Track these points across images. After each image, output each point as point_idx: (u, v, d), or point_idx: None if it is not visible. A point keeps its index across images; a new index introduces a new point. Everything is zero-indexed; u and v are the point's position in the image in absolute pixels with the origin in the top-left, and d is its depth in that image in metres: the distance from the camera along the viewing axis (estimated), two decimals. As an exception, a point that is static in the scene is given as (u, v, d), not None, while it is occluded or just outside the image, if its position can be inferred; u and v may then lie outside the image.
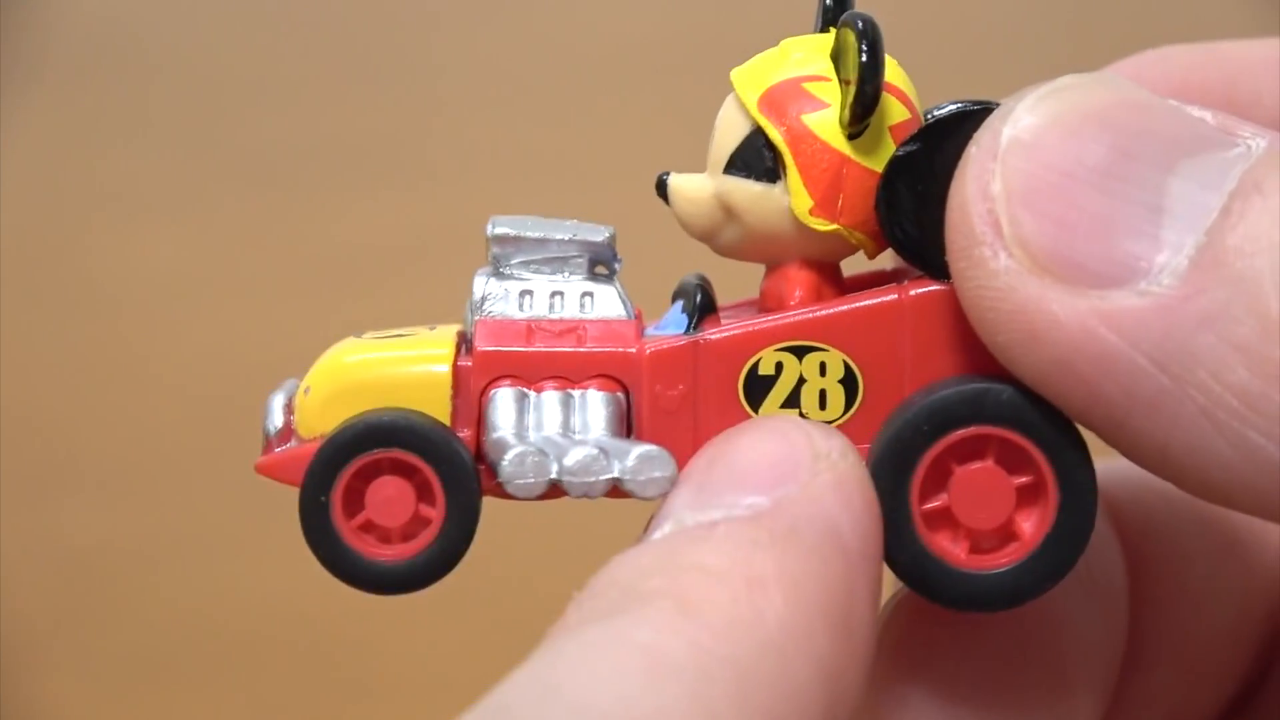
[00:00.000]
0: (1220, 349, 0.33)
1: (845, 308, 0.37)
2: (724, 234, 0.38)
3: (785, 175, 0.37)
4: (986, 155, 0.35)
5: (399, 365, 0.37)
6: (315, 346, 0.38)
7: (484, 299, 0.38)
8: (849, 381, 0.37)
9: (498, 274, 0.38)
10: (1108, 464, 0.38)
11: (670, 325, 0.38)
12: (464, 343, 0.38)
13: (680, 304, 0.38)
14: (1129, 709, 0.43)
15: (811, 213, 0.37)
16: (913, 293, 0.37)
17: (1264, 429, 0.33)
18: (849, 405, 0.37)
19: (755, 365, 0.37)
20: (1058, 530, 0.36)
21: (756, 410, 0.37)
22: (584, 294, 0.38)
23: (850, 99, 0.36)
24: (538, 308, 0.38)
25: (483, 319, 0.38)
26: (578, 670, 0.32)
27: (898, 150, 0.37)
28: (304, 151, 1.09)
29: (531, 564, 0.78)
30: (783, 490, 0.34)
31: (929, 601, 0.37)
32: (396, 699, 0.84)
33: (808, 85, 0.37)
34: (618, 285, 0.38)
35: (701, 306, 0.38)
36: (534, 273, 0.38)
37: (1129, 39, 0.50)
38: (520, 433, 0.37)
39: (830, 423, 0.37)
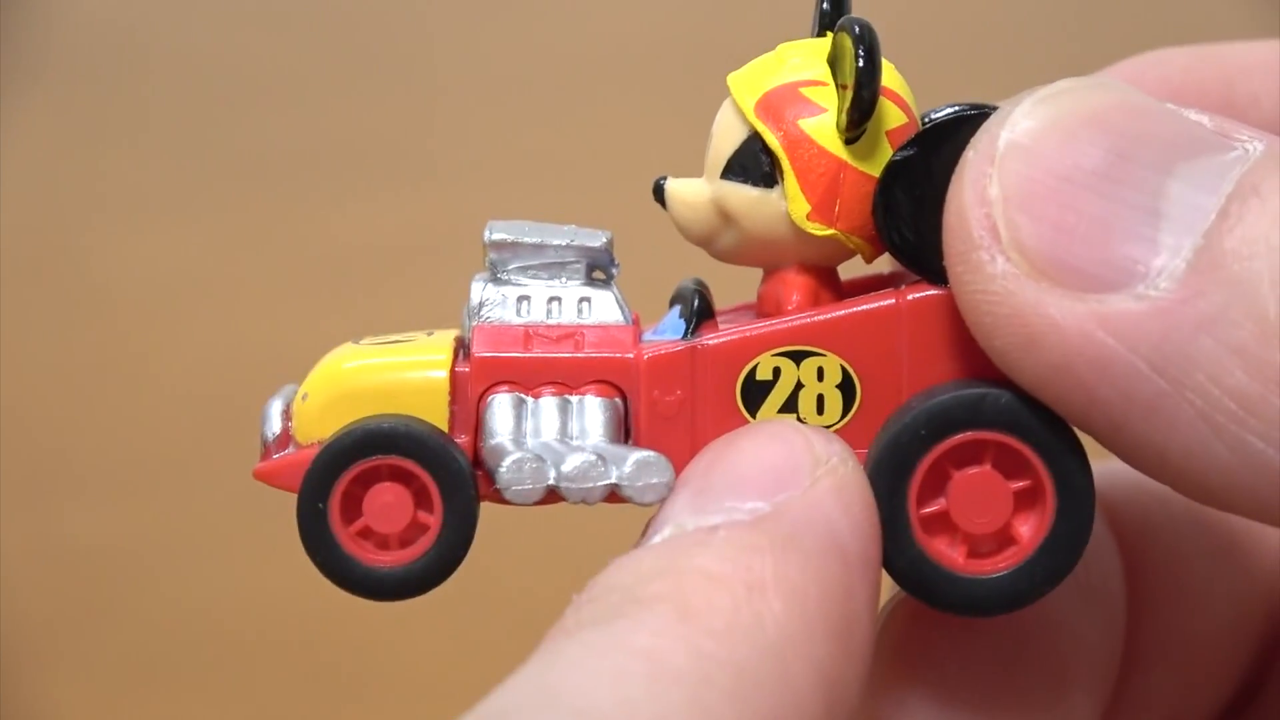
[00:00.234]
0: (1218, 352, 0.33)
1: (843, 312, 0.37)
2: (721, 239, 0.38)
3: (782, 180, 0.37)
4: (984, 159, 0.35)
5: (397, 371, 0.37)
6: (315, 346, 0.38)
7: (481, 305, 0.38)
8: (846, 386, 0.37)
9: (495, 279, 0.38)
10: (1105, 467, 0.38)
11: (668, 330, 0.38)
12: (462, 349, 0.38)
13: (678, 309, 0.38)
14: (1128, 711, 0.43)
15: (809, 217, 0.37)
16: (910, 297, 0.37)
17: (1262, 432, 0.33)
18: (846, 410, 0.37)
19: (753, 370, 0.37)
20: (1055, 534, 0.36)
21: (754, 415, 0.37)
22: (581, 299, 0.38)
23: (847, 103, 0.36)
24: (535, 313, 0.38)
25: (480, 325, 0.37)
26: (577, 674, 0.32)
27: (895, 155, 0.37)
28: (304, 152, 1.09)
29: (531, 568, 0.78)
30: (783, 495, 0.34)
31: (927, 606, 0.37)
32: (396, 700, 0.84)
33: (805, 90, 0.37)
34: (615, 290, 0.38)
35: (699, 311, 0.38)
36: (531, 278, 0.38)
37: (1127, 40, 0.50)
38: (518, 439, 0.37)
39: (828, 428, 0.37)
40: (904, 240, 0.37)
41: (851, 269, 0.39)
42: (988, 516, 0.36)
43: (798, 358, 0.37)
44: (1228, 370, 0.33)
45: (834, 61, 0.37)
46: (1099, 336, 0.34)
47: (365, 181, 1.07)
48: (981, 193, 0.35)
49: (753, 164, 0.37)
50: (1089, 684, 0.42)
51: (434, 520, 0.37)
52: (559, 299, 0.38)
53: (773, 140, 0.37)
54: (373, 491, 0.37)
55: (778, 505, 0.34)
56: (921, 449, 0.36)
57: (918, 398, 0.36)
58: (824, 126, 0.37)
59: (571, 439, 0.37)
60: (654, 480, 0.36)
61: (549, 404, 0.37)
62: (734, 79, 0.38)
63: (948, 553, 0.36)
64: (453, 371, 0.37)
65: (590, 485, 0.36)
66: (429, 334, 0.38)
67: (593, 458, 0.36)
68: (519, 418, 0.37)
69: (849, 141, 0.37)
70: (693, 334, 0.37)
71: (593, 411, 0.37)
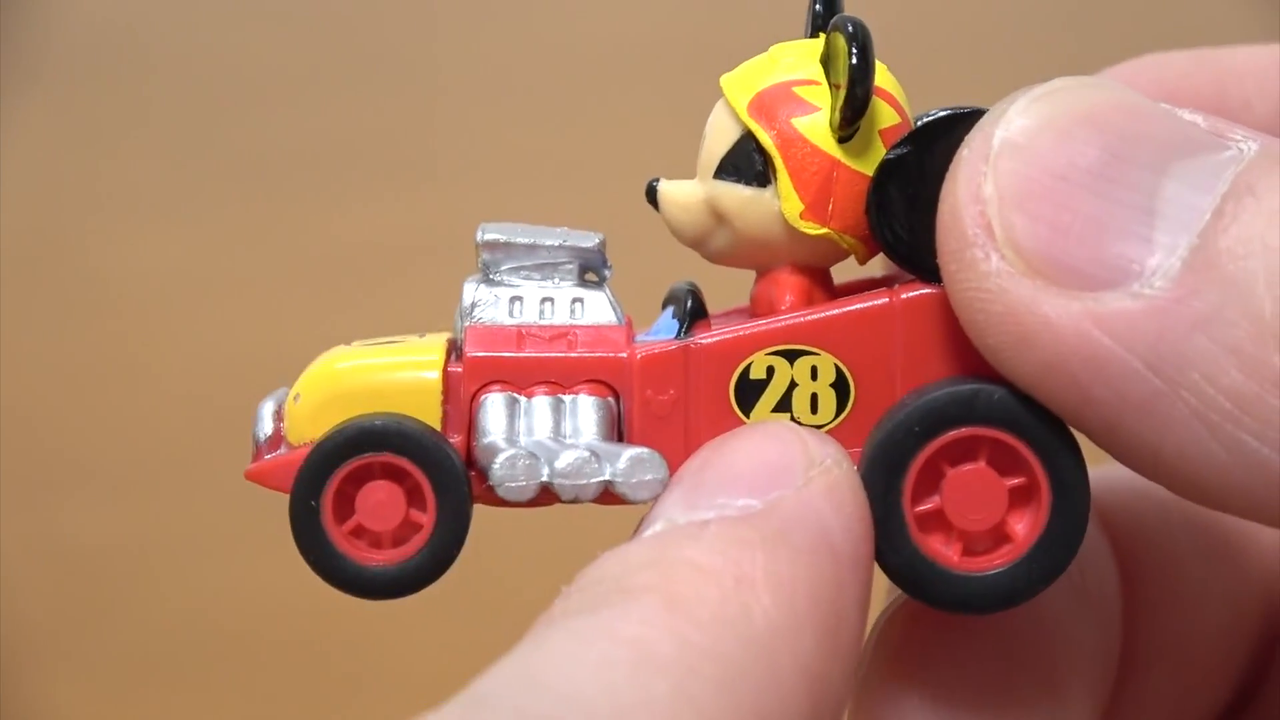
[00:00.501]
0: (1213, 351, 0.33)
1: (836, 311, 0.37)
2: (714, 240, 0.38)
3: (776, 179, 0.37)
4: (978, 158, 0.35)
5: (389, 371, 0.37)
6: (315, 346, 0.38)
7: (474, 305, 0.38)
8: (840, 385, 0.37)
9: (488, 280, 0.38)
10: (1098, 470, 0.38)
11: (661, 331, 0.38)
12: (454, 349, 0.38)
13: (671, 310, 0.38)
14: (1125, 713, 0.43)
15: (802, 216, 0.37)
16: (904, 296, 0.37)
17: (1257, 432, 0.33)
18: (840, 409, 0.37)
19: (746, 370, 0.37)
20: (1050, 532, 0.36)
21: (748, 415, 0.37)
22: (574, 300, 0.38)
23: (840, 103, 0.36)
24: (528, 314, 0.38)
25: (473, 325, 0.37)
26: (562, 660, 0.32)
27: (888, 154, 0.37)
28: (303, 152, 1.09)
29: (525, 565, 0.78)
30: (775, 493, 0.34)
31: (922, 603, 0.37)
32: (394, 699, 0.84)
33: (798, 89, 0.37)
34: (608, 291, 0.38)
35: (692, 312, 0.38)
36: (524, 279, 0.38)
37: (1125, 41, 0.50)
38: (511, 437, 0.37)
39: (822, 427, 0.37)
40: (897, 238, 0.37)
41: (845, 273, 0.39)
42: (983, 513, 0.36)
43: (791, 357, 0.37)
44: (1223, 369, 0.33)
45: (827, 61, 0.37)
46: (1094, 335, 0.33)
47: (365, 181, 1.07)
48: (976, 190, 0.34)
49: (746, 163, 0.37)
50: (1086, 686, 0.41)
51: (427, 519, 0.37)
52: (552, 300, 0.38)
53: (766, 139, 0.37)
54: (365, 490, 0.37)
55: (770, 502, 0.34)
56: (915, 446, 0.36)
57: (911, 395, 0.36)
58: (817, 125, 0.37)
59: (565, 438, 0.37)
60: (648, 477, 0.36)
61: (542, 403, 0.37)
62: (727, 80, 0.38)
63: (943, 550, 0.36)
64: (445, 371, 0.37)
65: (584, 482, 0.36)
66: (421, 336, 0.38)
67: (586, 454, 0.36)
68: (512, 417, 0.37)
69: (842, 140, 0.37)
70: (686, 334, 0.37)
71: (586, 411, 0.37)
